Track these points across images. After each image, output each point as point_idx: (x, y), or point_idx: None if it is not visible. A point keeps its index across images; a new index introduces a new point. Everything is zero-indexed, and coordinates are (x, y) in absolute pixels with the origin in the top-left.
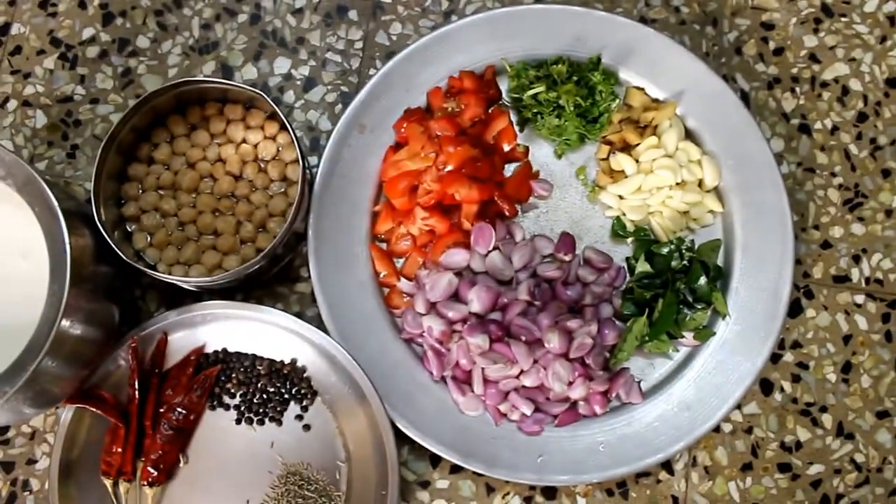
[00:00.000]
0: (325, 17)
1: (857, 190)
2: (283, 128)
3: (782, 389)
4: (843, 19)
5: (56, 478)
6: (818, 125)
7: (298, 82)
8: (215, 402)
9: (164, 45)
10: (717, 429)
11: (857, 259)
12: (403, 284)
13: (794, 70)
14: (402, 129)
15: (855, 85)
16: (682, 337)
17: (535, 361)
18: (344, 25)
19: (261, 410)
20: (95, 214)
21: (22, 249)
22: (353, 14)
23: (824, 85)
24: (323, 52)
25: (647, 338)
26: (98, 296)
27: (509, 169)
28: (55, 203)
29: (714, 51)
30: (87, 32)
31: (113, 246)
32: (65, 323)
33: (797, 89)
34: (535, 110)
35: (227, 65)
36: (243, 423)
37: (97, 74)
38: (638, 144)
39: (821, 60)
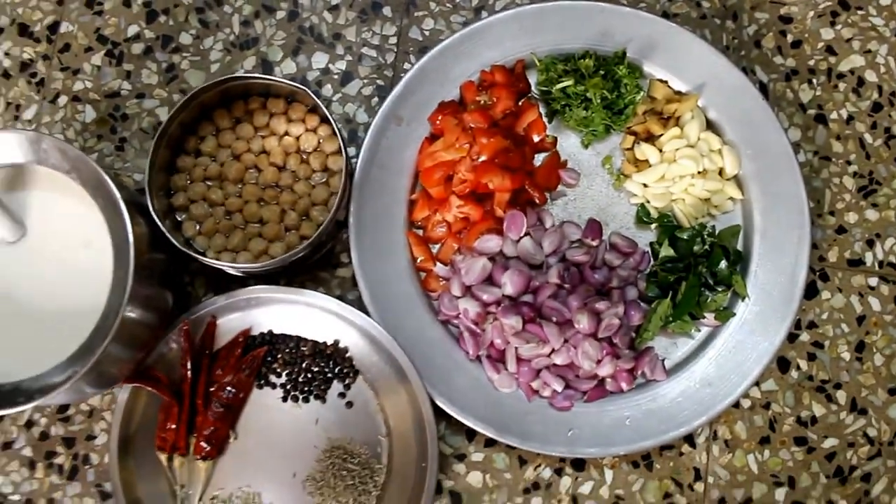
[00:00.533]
0: (361, 14)
1: (871, 177)
2: (323, 120)
3: (798, 367)
4: (859, 12)
5: (116, 452)
6: (834, 115)
7: (336, 76)
8: (262, 382)
9: (206, 42)
10: (736, 404)
11: (870, 244)
12: (440, 269)
13: (812, 62)
14: (437, 122)
15: (870, 76)
16: (704, 318)
17: (566, 341)
18: (378, 21)
19: (305, 389)
20: (150, 204)
21: (83, 240)
22: (387, 10)
23: (840, 76)
24: (359, 48)
25: (670, 318)
26: (154, 282)
27: (539, 159)
28: (118, 195)
29: (734, 44)
30: (132, 30)
31: (166, 234)
32: (127, 308)
33: (814, 81)
34: (563, 103)
35: (266, 60)
36: (289, 400)
37: (142, 70)
38: (661, 135)
39: (837, 53)
